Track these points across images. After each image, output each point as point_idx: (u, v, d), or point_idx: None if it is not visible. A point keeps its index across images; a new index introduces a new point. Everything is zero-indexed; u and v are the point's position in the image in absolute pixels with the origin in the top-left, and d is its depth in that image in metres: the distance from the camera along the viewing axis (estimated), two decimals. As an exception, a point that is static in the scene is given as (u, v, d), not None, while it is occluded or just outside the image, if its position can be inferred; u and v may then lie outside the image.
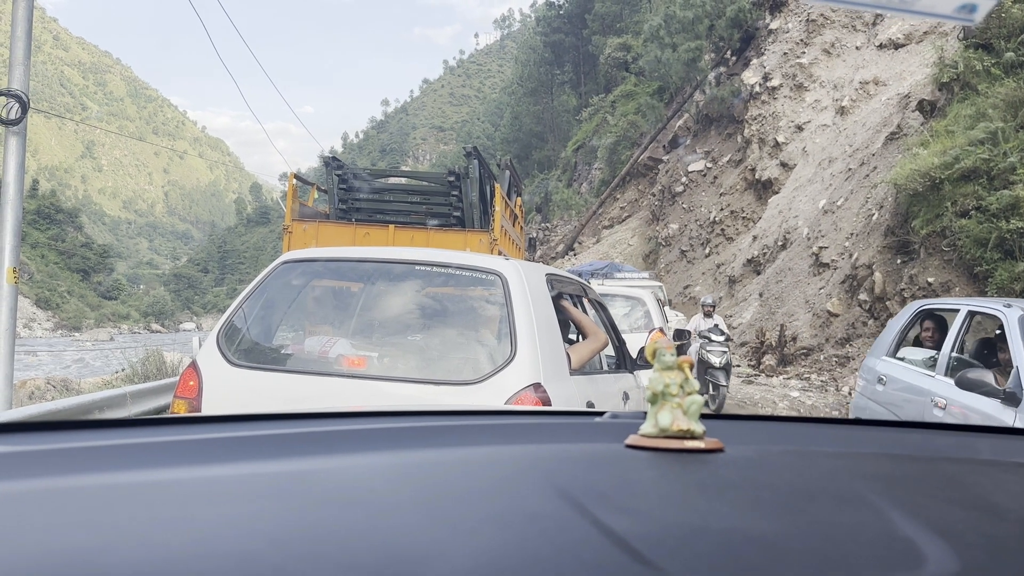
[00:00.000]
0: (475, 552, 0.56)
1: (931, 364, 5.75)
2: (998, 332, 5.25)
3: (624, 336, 5.05)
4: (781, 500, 0.74)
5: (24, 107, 6.87)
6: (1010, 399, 4.49)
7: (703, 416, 0.90)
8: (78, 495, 0.68)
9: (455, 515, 0.65)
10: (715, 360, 10.75)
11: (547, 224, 43.83)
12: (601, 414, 1.18)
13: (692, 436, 0.87)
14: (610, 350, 4.68)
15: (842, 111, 24.18)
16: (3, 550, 0.54)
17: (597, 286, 16.79)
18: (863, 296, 15.11)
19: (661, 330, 9.10)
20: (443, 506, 0.68)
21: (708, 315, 11.59)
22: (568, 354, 3.63)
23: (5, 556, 0.53)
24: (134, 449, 0.87)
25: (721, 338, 10.96)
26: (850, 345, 14.97)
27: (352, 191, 12.29)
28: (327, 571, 0.52)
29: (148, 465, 0.80)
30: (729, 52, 32.33)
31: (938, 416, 5.17)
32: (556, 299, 3.90)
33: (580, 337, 4.59)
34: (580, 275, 20.66)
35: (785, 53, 27.78)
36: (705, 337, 11.03)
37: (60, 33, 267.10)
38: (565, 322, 4.10)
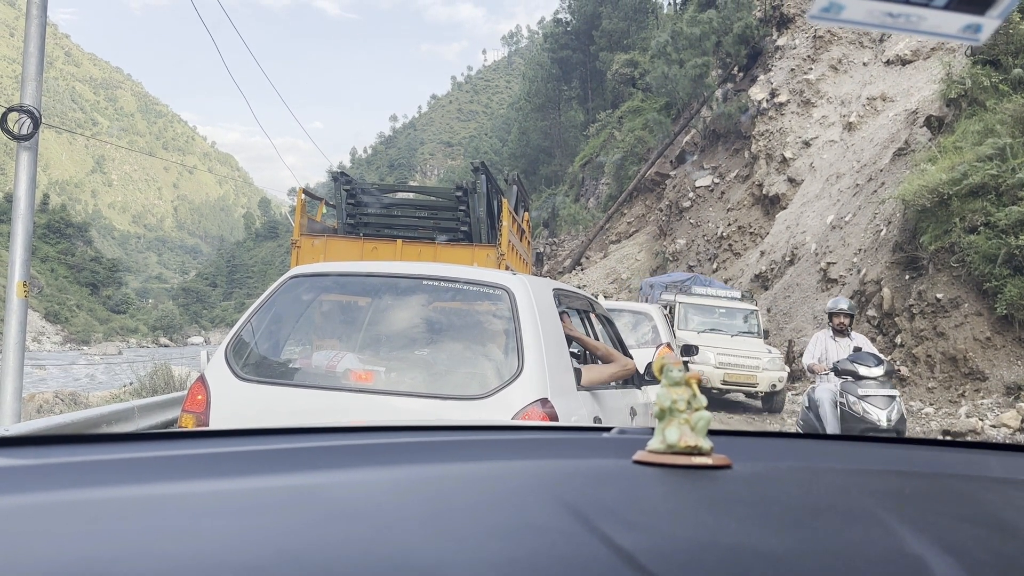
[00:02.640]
0: (481, 567, 0.56)
1: None
2: None
3: (632, 351, 5.04)
4: (789, 516, 0.74)
5: (36, 122, 6.93)
6: None
7: (711, 432, 0.90)
8: (87, 508, 0.68)
9: (461, 530, 0.65)
10: (877, 416, 6.21)
11: (554, 239, 43.87)
12: (608, 430, 1.18)
13: (700, 452, 0.87)
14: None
15: (850, 127, 24.19)
16: (12, 562, 0.54)
17: (665, 298, 14.85)
18: (872, 312, 15.06)
19: (669, 345, 9.06)
20: (449, 521, 0.68)
21: (842, 331, 7.13)
22: (578, 369, 3.63)
23: (15, 569, 0.53)
24: (142, 463, 0.88)
25: (879, 371, 6.36)
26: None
27: (360, 206, 12.35)
28: (334, 585, 0.52)
29: (156, 479, 0.80)
30: (736, 68, 32.44)
31: None
32: (575, 330, 3.95)
33: (587, 354, 4.59)
34: (652, 288, 18.02)
35: (792, 69, 27.85)
36: (848, 372, 6.44)
37: (72, 49, 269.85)
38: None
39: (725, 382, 13.15)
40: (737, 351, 13.30)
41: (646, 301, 18.07)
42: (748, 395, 13.91)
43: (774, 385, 13.19)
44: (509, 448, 1.07)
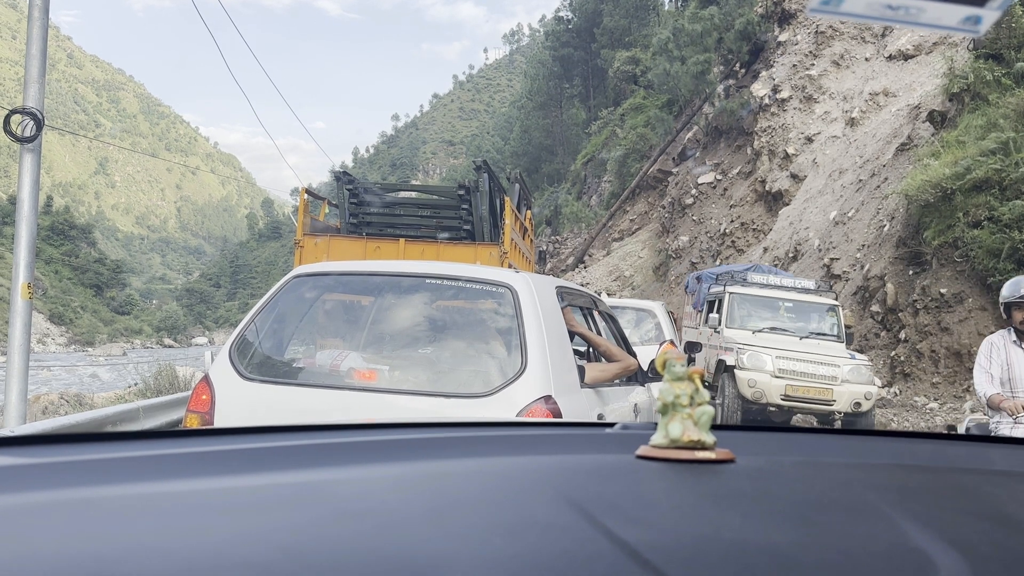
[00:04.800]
0: (485, 562, 0.56)
1: None
2: None
3: (635, 348, 5.04)
4: (793, 510, 0.74)
5: (39, 124, 6.94)
6: None
7: (714, 427, 0.90)
8: (94, 507, 0.68)
9: (465, 525, 0.65)
10: None
11: (557, 237, 43.87)
12: (612, 425, 1.18)
13: (703, 447, 0.87)
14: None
15: (852, 122, 24.14)
16: (22, 561, 0.55)
17: (714, 291, 11.94)
18: (875, 308, 15.03)
19: (672, 342, 9.04)
20: (453, 516, 0.68)
21: None
22: (582, 367, 3.63)
23: (24, 567, 0.53)
24: (148, 461, 0.88)
25: None
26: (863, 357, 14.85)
27: (363, 205, 12.35)
28: (339, 581, 0.52)
29: (162, 477, 0.81)
30: (738, 64, 32.37)
31: None
32: (580, 325, 3.95)
33: (591, 351, 4.59)
34: (700, 280, 14.71)
35: (794, 65, 27.79)
36: None
37: (74, 51, 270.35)
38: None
39: (787, 397, 9.71)
40: (805, 355, 10.01)
41: (692, 297, 15.02)
42: (821, 418, 10.21)
43: (858, 404, 9.60)
44: (512, 444, 1.07)
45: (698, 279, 15.09)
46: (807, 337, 10.84)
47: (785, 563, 0.59)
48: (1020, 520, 0.76)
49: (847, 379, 9.84)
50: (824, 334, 11.00)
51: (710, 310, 12.04)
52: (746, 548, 0.61)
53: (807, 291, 11.78)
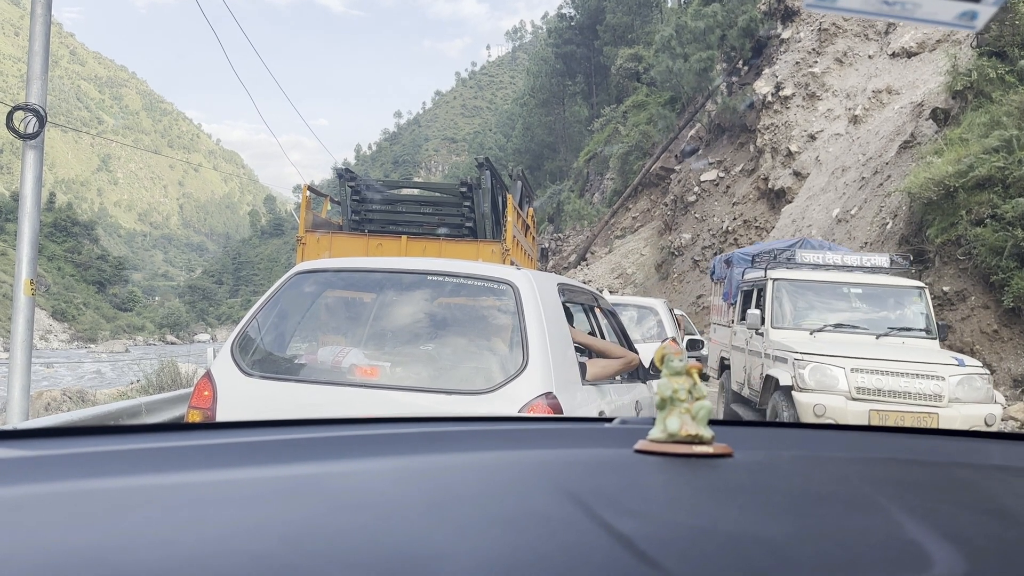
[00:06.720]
0: (484, 553, 0.57)
1: None
2: None
3: (636, 346, 5.04)
4: (790, 504, 0.74)
5: (41, 121, 6.95)
6: None
7: (712, 422, 0.90)
8: (96, 497, 0.69)
9: (464, 517, 0.65)
10: None
11: (559, 234, 43.86)
12: (611, 420, 1.19)
13: (701, 441, 0.87)
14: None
15: (855, 120, 24.09)
16: (25, 550, 0.55)
17: (751, 277, 9.49)
18: (878, 305, 15.01)
19: (674, 339, 8.95)
20: (452, 508, 0.68)
21: None
22: (583, 363, 3.64)
23: (28, 556, 0.54)
24: (151, 453, 0.88)
25: None
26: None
27: (365, 202, 12.36)
28: (337, 571, 0.53)
29: (164, 469, 0.81)
30: (741, 62, 32.31)
31: None
32: (579, 333, 3.96)
33: (591, 354, 4.59)
34: (729, 263, 11.80)
35: (797, 62, 27.74)
36: None
37: (77, 48, 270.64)
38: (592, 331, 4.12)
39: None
40: (892, 364, 7.30)
41: (719, 287, 12.36)
42: None
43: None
44: (511, 438, 1.07)
45: (727, 262, 12.04)
46: (885, 335, 8.20)
47: (782, 556, 0.59)
48: (1016, 514, 0.76)
49: (957, 397, 7.17)
50: (909, 329, 8.28)
51: (747, 303, 9.46)
52: (743, 541, 0.62)
53: (880, 270, 8.99)
